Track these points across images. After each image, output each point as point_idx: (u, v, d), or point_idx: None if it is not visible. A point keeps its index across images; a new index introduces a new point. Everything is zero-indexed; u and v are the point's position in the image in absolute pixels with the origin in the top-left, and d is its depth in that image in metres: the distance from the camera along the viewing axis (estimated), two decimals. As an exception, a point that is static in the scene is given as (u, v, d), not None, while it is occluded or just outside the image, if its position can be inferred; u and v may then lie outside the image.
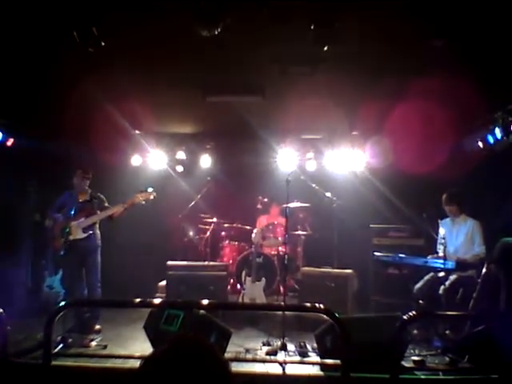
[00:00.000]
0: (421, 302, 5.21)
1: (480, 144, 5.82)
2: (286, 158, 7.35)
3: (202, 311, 4.17)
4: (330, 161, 7.41)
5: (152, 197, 5.44)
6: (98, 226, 5.40)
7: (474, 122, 5.83)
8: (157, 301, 4.14)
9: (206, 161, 7.60)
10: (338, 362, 3.20)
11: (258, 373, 3.99)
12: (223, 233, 7.74)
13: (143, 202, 5.36)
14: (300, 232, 7.51)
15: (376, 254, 6.07)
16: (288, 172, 5.73)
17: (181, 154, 7.56)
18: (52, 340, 3.15)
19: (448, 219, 5.53)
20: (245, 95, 5.40)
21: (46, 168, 6.64)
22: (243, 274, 6.33)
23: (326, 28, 3.54)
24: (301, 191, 6.74)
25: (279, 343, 4.75)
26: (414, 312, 3.19)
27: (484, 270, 4.73)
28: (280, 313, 5.19)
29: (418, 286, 5.34)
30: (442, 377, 3.87)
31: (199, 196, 7.34)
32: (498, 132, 5.36)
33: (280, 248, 7.07)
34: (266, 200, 7.68)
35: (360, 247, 6.91)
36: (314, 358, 4.44)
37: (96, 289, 5.21)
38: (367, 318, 4.56)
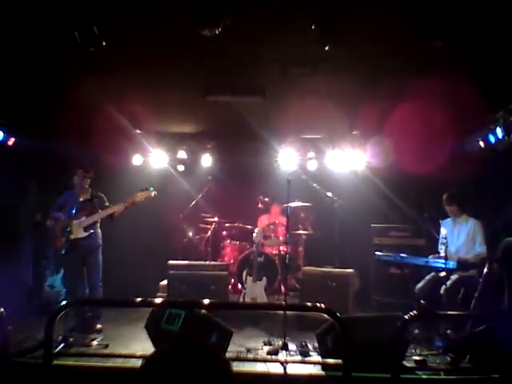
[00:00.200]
0: (422, 301, 5.21)
1: (481, 144, 5.81)
2: (287, 158, 7.36)
3: (203, 311, 4.17)
4: (331, 160, 7.41)
5: (153, 195, 5.44)
6: (99, 225, 5.41)
7: (475, 121, 5.82)
8: (158, 300, 4.13)
9: (206, 160, 7.60)
10: (339, 361, 3.20)
11: (259, 372, 3.99)
12: (224, 232, 7.75)
13: (143, 201, 5.37)
14: (301, 231, 7.52)
15: (377, 253, 6.07)
16: (289, 171, 5.73)
17: (182, 154, 7.56)
18: (53, 339, 3.16)
19: (449, 219, 5.53)
20: (245, 95, 5.40)
21: (47, 168, 6.64)
22: (244, 273, 6.34)
23: (326, 28, 3.54)
24: (302, 191, 6.75)
25: (280, 343, 4.75)
26: (415, 312, 3.19)
27: (485, 270, 4.73)
28: (281, 312, 5.19)
29: (419, 285, 5.34)
30: (443, 376, 3.87)
31: (200, 195, 7.35)
32: (499, 131, 5.35)
33: (281, 247, 7.07)
34: (267, 199, 7.69)
35: (361, 247, 6.92)
36: (315, 357, 4.45)
37: (97, 288, 5.22)
38: (368, 318, 4.56)
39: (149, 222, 7.45)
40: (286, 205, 5.48)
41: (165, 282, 6.42)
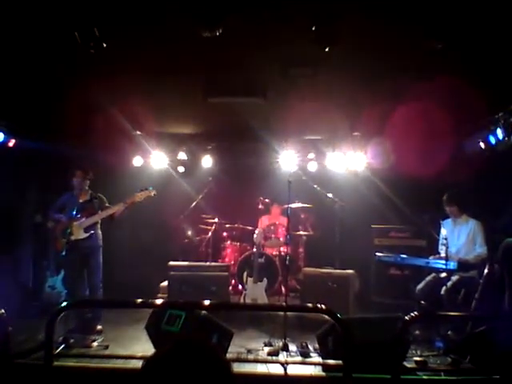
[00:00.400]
0: (422, 302, 5.21)
1: (482, 145, 5.81)
2: (288, 159, 7.36)
3: (203, 312, 4.17)
4: (332, 161, 7.42)
5: (152, 194, 5.46)
6: (99, 226, 5.42)
7: (476, 122, 5.82)
8: (158, 301, 4.14)
9: (207, 161, 7.60)
10: (340, 362, 3.20)
11: (259, 373, 3.99)
12: (225, 233, 7.75)
13: (143, 200, 5.38)
14: (301, 232, 7.52)
15: (378, 254, 6.07)
16: (289, 172, 5.73)
17: (182, 155, 7.57)
18: (54, 340, 3.16)
19: (449, 220, 5.53)
20: (246, 96, 5.40)
21: (48, 169, 6.65)
22: (245, 274, 6.33)
23: (327, 29, 3.54)
24: (302, 192, 6.76)
25: (281, 344, 4.75)
26: (415, 313, 3.19)
27: (486, 271, 4.73)
28: (282, 313, 5.19)
29: (419, 286, 5.34)
30: (443, 377, 3.87)
31: (201, 196, 7.35)
32: (499, 132, 5.35)
33: (282, 248, 7.07)
34: (267, 200, 7.68)
35: (362, 248, 6.91)
36: (315, 358, 4.44)
37: (98, 289, 5.23)
38: (369, 319, 4.55)
39: (149, 223, 7.45)
40: (286, 206, 5.49)
41: (165, 283, 6.42)
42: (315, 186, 6.49)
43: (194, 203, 7.31)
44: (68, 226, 5.16)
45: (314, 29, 3.57)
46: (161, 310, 4.19)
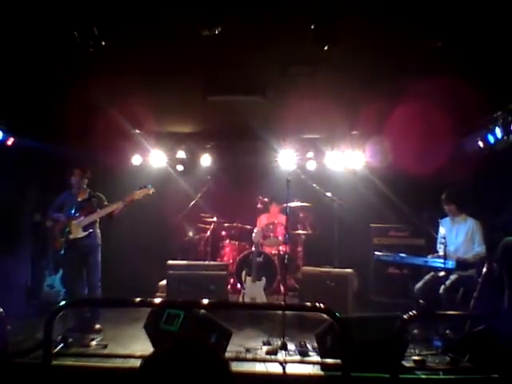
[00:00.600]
0: (421, 301, 5.21)
1: (480, 143, 5.82)
2: (286, 158, 7.36)
3: (202, 311, 4.17)
4: (330, 160, 7.42)
5: (151, 192, 5.46)
6: (98, 224, 5.41)
7: (474, 121, 5.83)
8: (157, 300, 4.13)
9: (206, 160, 7.60)
10: (339, 361, 3.20)
11: (258, 372, 3.99)
12: (223, 232, 7.74)
13: (142, 198, 5.38)
14: (300, 231, 7.51)
15: (376, 253, 6.07)
16: (288, 171, 5.73)
17: (181, 154, 7.57)
18: (52, 339, 3.15)
19: (448, 218, 5.53)
20: (245, 95, 5.40)
21: (47, 168, 6.64)
22: (243, 273, 6.34)
23: (326, 28, 3.54)
24: (301, 190, 6.75)
25: (279, 343, 4.76)
26: (414, 311, 3.19)
27: (484, 270, 4.73)
28: (280, 312, 5.19)
29: (418, 285, 5.34)
30: (442, 376, 3.87)
31: (199, 195, 7.34)
32: (498, 131, 5.36)
33: (280, 247, 7.06)
34: (266, 199, 7.67)
35: (360, 247, 6.92)
36: (314, 357, 4.45)
37: (97, 288, 5.23)
38: (368, 318, 4.55)
39: (148, 222, 7.44)
40: (285, 205, 5.48)
41: (164, 282, 6.42)
42: (314, 185, 6.49)
43: (193, 202, 7.31)
44: (67, 224, 5.16)
45: (312, 27, 3.56)
46: (159, 309, 4.19)
